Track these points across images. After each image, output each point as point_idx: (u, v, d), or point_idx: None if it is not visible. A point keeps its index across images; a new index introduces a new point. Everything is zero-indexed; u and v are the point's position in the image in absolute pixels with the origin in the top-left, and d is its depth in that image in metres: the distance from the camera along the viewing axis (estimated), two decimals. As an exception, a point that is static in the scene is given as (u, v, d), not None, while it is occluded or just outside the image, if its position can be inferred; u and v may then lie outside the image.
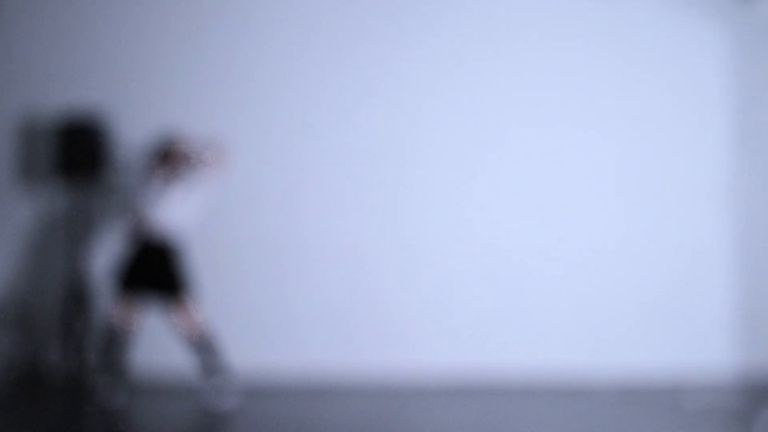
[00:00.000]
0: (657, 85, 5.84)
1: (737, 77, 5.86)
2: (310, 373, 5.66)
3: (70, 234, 5.64)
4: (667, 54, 5.86)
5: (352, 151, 5.79)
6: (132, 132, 5.66)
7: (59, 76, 5.75)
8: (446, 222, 5.79)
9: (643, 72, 5.83)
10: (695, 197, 5.84)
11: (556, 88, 5.82)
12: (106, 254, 5.66)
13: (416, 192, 5.79)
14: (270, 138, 5.76)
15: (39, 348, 5.72)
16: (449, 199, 5.80)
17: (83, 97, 5.64)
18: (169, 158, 5.11)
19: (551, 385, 5.54)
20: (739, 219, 5.85)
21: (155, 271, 5.00)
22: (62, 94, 5.67)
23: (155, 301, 5.03)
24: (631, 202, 5.82)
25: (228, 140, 5.62)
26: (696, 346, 5.77)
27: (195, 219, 5.21)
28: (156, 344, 5.55)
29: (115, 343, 5.05)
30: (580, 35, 5.84)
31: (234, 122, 5.71)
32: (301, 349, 5.72)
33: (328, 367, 5.68)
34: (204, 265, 5.59)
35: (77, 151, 5.37)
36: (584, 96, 5.83)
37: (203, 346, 5.00)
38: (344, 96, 5.80)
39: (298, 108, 5.79)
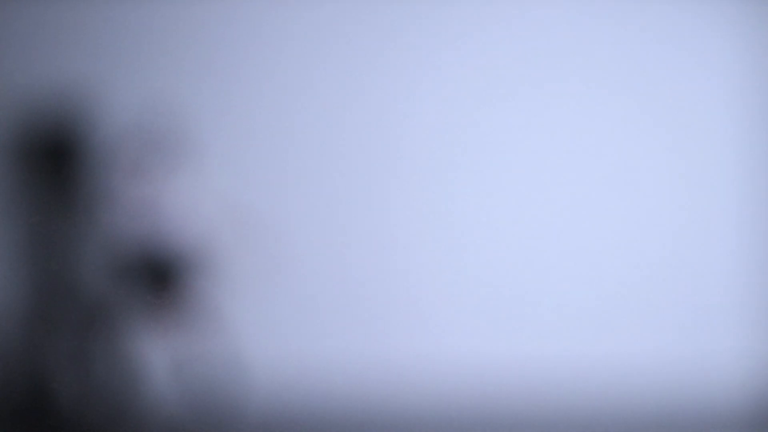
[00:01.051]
0: (662, 82, 5.87)
1: (745, 74, 5.88)
2: (312, 368, 5.67)
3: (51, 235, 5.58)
4: (676, 51, 5.89)
5: (351, 142, 5.81)
6: (120, 115, 5.60)
7: (37, 49, 5.68)
8: (449, 219, 5.82)
9: (650, 70, 5.87)
10: (703, 192, 5.85)
11: (560, 84, 5.84)
12: (95, 254, 5.60)
13: (416, 189, 5.82)
14: (265, 134, 5.76)
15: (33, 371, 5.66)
16: (454, 196, 5.83)
17: (62, 71, 5.58)
18: (148, 159, 4.97)
19: (555, 387, 5.56)
20: (746, 214, 5.86)
21: (158, 278, 4.88)
22: (41, 69, 5.60)
23: (156, 314, 4.92)
24: (639, 196, 5.83)
25: (227, 137, 5.67)
26: (704, 342, 5.75)
27: (195, 219, 5.14)
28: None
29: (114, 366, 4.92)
30: (583, 33, 5.88)
31: (228, 115, 5.70)
32: (301, 344, 5.70)
33: (329, 361, 5.68)
34: (206, 266, 5.58)
35: (54, 137, 5.32)
36: (588, 91, 5.85)
37: (206, 368, 4.88)
38: (341, 90, 5.83)
39: (296, 100, 5.81)
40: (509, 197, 5.84)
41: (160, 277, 4.89)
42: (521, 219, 5.83)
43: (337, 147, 5.85)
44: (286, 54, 5.84)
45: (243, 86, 5.81)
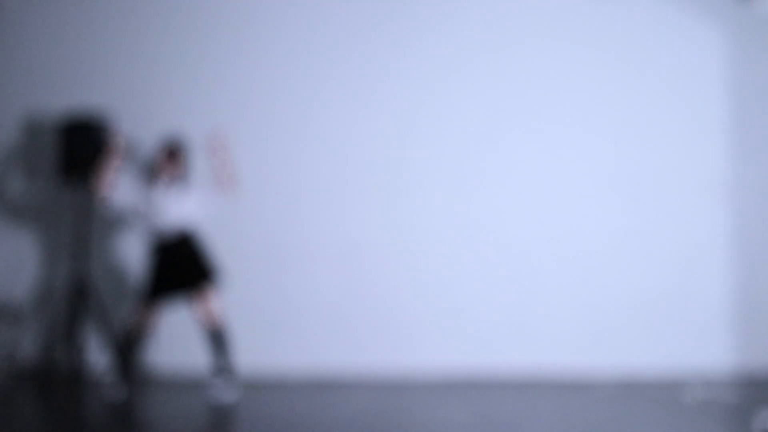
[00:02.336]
0: (654, 83, 5.93)
1: (733, 75, 5.94)
2: (313, 371, 5.71)
3: (74, 232, 5.68)
4: (664, 53, 5.94)
5: (354, 151, 5.85)
6: (134, 132, 5.72)
7: (63, 78, 5.81)
8: (445, 220, 5.84)
9: (641, 71, 5.92)
10: (692, 195, 5.91)
11: (555, 87, 5.90)
12: (108, 252, 5.75)
13: (416, 191, 5.86)
14: (271, 138, 5.82)
15: (42, 343, 5.75)
16: (449, 198, 5.86)
17: (86, 99, 5.71)
18: (174, 158, 5.19)
19: (550, 381, 5.58)
20: (735, 216, 5.92)
21: (180, 264, 5.06)
22: (66, 95, 5.74)
23: (181, 295, 5.08)
24: (630, 200, 5.89)
25: (229, 141, 5.70)
26: (693, 342, 5.82)
27: (205, 215, 5.26)
28: (164, 341, 5.68)
29: (132, 345, 5.10)
30: (578, 36, 5.93)
31: (235, 123, 5.75)
32: (304, 346, 5.76)
33: (330, 364, 5.72)
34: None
35: (80, 151, 5.42)
36: (582, 95, 5.91)
37: (219, 337, 5.07)
38: (345, 95, 5.87)
39: (300, 108, 5.85)
40: (510, 208, 5.88)
41: (189, 264, 5.11)
42: (522, 233, 5.86)
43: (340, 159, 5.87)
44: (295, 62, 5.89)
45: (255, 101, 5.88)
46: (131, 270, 5.76)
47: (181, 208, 5.14)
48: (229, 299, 5.54)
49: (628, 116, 5.92)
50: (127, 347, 5.11)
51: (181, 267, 5.08)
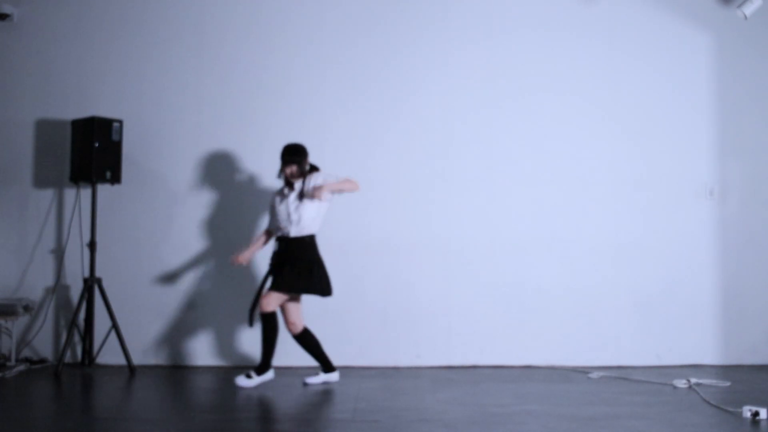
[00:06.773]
0: (646, 88, 5.97)
1: (720, 82, 5.99)
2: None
3: (85, 231, 5.80)
4: (655, 60, 5.99)
5: (355, 150, 5.87)
6: (142, 138, 5.84)
7: (73, 88, 5.94)
8: (443, 222, 5.88)
9: (632, 76, 5.97)
10: (682, 199, 5.96)
11: (552, 91, 5.94)
12: (116, 250, 5.85)
13: (414, 193, 5.89)
14: (273, 137, 5.79)
15: (51, 335, 5.85)
16: (446, 199, 5.89)
17: (98, 107, 5.81)
18: (294, 167, 5.13)
19: (548, 373, 5.62)
20: (722, 219, 5.98)
21: (291, 266, 5.06)
22: (78, 104, 5.85)
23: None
24: (622, 204, 5.94)
25: (232, 142, 5.83)
26: (682, 342, 5.88)
27: (320, 222, 5.22)
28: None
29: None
30: (578, 43, 5.98)
31: (238, 126, 5.86)
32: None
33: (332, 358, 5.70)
34: (208, 262, 5.82)
35: (92, 156, 5.54)
36: (579, 101, 5.95)
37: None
38: (347, 94, 5.91)
39: (299, 110, 5.89)
40: (507, 211, 5.90)
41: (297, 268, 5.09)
42: (519, 235, 5.88)
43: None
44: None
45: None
46: (138, 266, 5.85)
47: (301, 215, 5.08)
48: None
49: (622, 121, 5.95)
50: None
51: (291, 268, 5.05)
